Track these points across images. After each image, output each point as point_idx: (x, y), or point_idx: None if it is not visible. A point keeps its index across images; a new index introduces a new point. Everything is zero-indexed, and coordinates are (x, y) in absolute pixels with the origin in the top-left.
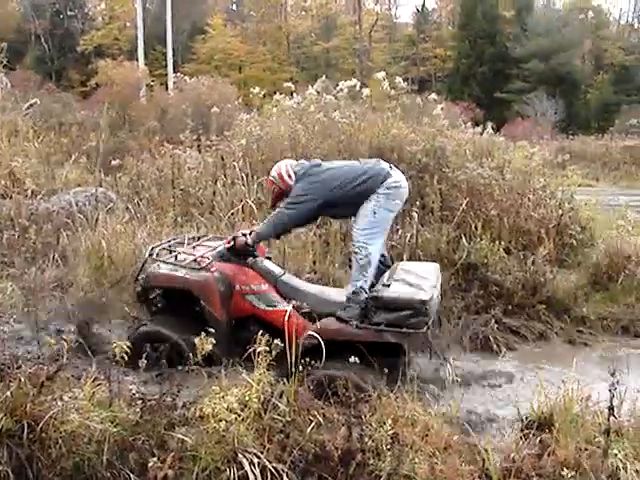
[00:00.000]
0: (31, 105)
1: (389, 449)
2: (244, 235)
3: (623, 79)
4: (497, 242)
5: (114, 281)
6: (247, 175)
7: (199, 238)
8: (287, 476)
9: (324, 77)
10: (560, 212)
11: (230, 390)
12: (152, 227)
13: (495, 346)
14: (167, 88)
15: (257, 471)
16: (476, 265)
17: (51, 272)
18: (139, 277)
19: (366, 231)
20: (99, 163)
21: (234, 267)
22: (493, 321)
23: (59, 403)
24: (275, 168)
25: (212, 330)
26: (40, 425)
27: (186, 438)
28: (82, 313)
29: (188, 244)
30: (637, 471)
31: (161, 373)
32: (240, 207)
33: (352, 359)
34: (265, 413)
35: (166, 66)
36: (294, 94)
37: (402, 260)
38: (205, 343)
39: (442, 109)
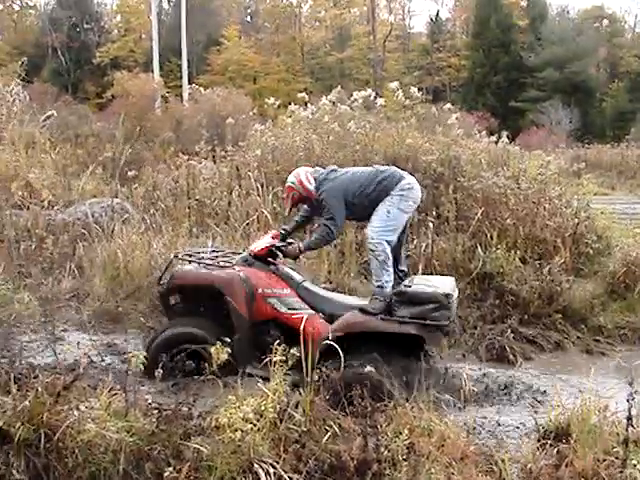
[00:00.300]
0: (48, 117)
1: (405, 459)
2: (290, 243)
3: (638, 87)
4: (513, 251)
5: (130, 291)
6: (262, 185)
7: (218, 251)
8: None
9: (338, 87)
10: (576, 221)
11: (246, 400)
12: (168, 238)
13: (511, 356)
14: (182, 99)
15: None
16: (492, 274)
17: (67, 282)
18: (162, 279)
19: (380, 229)
20: (115, 174)
21: (257, 271)
22: (509, 331)
23: (75, 413)
24: (294, 174)
25: (234, 330)
26: (57, 434)
27: (202, 448)
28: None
29: (209, 253)
30: None
31: (177, 383)
32: (255, 217)
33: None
34: (281, 423)
35: (181, 78)
36: (308, 105)
37: (417, 270)
38: (221, 352)
39: (457, 119)
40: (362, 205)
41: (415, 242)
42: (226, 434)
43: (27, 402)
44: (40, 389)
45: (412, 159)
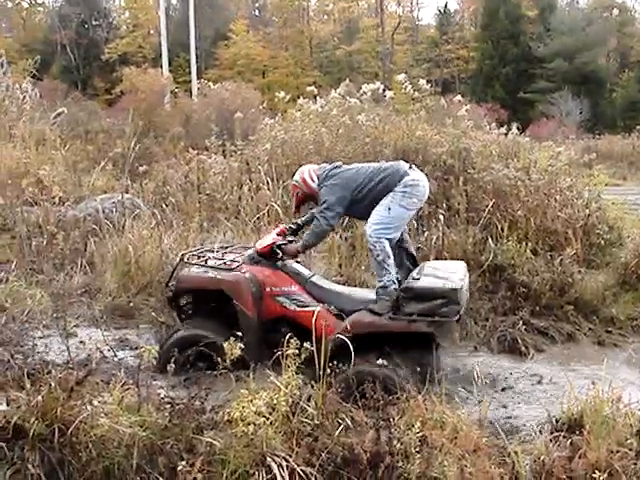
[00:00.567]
0: (58, 114)
1: (418, 452)
2: (290, 242)
3: None
4: (524, 243)
5: (141, 286)
6: (272, 179)
7: (227, 247)
8: (315, 479)
9: (347, 80)
10: (587, 212)
11: (258, 394)
12: (178, 232)
13: (523, 347)
14: (191, 94)
15: (286, 474)
16: (503, 266)
17: (79, 278)
18: (170, 282)
19: (378, 226)
20: (125, 170)
21: (264, 269)
22: (521, 322)
23: (89, 407)
24: (298, 173)
25: (243, 331)
26: (70, 429)
27: (215, 442)
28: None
29: (217, 251)
30: None
31: (189, 377)
32: (266, 211)
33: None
34: (293, 416)
35: (190, 72)
36: (317, 98)
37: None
38: (234, 347)
39: (467, 111)
40: (364, 202)
41: (426, 234)
42: (239, 428)
43: (41, 397)
44: (53, 384)
45: (422, 151)
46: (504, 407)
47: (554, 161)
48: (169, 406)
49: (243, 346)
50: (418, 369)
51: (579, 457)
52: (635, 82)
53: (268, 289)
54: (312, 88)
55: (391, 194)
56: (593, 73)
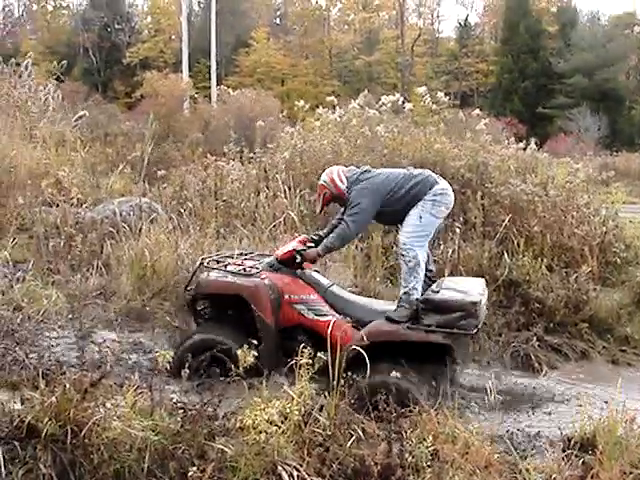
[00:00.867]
0: (80, 117)
1: (429, 466)
2: (310, 247)
3: None
4: (539, 259)
5: (156, 290)
6: (289, 188)
7: (246, 254)
8: None
9: (366, 91)
10: (604, 229)
11: (271, 402)
12: (194, 238)
13: (536, 364)
14: (210, 100)
15: None
16: (518, 282)
17: (95, 280)
18: (189, 287)
19: (411, 234)
20: (143, 174)
21: (284, 277)
22: (534, 339)
23: (102, 410)
24: (327, 172)
25: (260, 338)
26: (83, 431)
27: (226, 449)
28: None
29: (236, 258)
30: None
31: (202, 383)
32: (282, 219)
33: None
34: (305, 426)
35: (210, 79)
36: (336, 108)
37: (444, 276)
38: (247, 355)
39: (485, 124)
40: (393, 209)
41: (442, 248)
42: (250, 435)
43: (55, 398)
44: (68, 386)
45: (440, 164)
46: (516, 423)
47: (572, 177)
48: (182, 411)
49: (259, 353)
50: (434, 382)
51: (591, 477)
52: None
53: (287, 296)
54: (332, 98)
55: (421, 202)
56: (612, 90)
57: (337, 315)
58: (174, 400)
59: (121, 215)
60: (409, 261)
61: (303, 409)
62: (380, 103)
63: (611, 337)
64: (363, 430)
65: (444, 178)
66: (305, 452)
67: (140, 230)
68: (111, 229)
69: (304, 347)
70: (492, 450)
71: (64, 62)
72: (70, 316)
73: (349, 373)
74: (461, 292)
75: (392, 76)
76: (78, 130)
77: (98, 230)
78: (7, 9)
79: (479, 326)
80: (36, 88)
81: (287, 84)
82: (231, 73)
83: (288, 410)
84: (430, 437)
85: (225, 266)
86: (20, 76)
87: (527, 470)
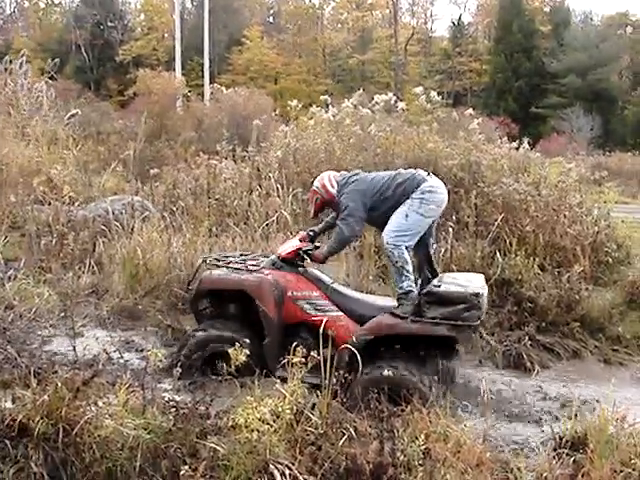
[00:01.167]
0: (72, 115)
1: (421, 464)
2: (317, 248)
3: None
4: (532, 258)
5: (148, 289)
6: (282, 186)
7: (247, 254)
8: None
9: (360, 90)
10: (596, 229)
11: (263, 400)
12: (187, 236)
13: (528, 363)
14: (203, 98)
15: None
16: (510, 281)
17: (87, 278)
18: (191, 284)
19: (395, 233)
20: (136, 172)
21: (287, 274)
22: (527, 338)
23: (94, 408)
24: (318, 178)
25: (264, 333)
26: (75, 429)
27: (218, 447)
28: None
29: (238, 257)
30: None
31: (194, 381)
32: (275, 218)
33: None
34: (297, 425)
35: (203, 77)
36: (330, 107)
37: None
38: (239, 354)
39: (478, 124)
40: (382, 210)
41: (434, 247)
42: (242, 434)
43: (46, 397)
44: (59, 384)
45: (433, 163)
46: (508, 422)
47: (564, 177)
48: (174, 410)
49: (264, 348)
50: (436, 377)
51: (582, 476)
52: None
53: (290, 293)
54: (326, 97)
55: (409, 201)
56: (605, 90)
57: (339, 312)
58: (166, 399)
59: (113, 213)
60: (396, 261)
61: (295, 408)
62: (373, 102)
63: (603, 336)
64: (355, 429)
65: (437, 177)
66: (297, 451)
67: (132, 229)
68: (103, 227)
69: (308, 345)
70: (484, 449)
71: (56, 60)
72: (62, 314)
73: (349, 369)
74: (463, 285)
75: (385, 75)
76: (70, 128)
77: (90, 228)
78: None
79: (482, 318)
80: (29, 86)
81: (280, 82)
82: (224, 71)
83: (280, 409)
84: (422, 436)
85: (228, 264)
86: (10, 73)
87: (518, 469)
